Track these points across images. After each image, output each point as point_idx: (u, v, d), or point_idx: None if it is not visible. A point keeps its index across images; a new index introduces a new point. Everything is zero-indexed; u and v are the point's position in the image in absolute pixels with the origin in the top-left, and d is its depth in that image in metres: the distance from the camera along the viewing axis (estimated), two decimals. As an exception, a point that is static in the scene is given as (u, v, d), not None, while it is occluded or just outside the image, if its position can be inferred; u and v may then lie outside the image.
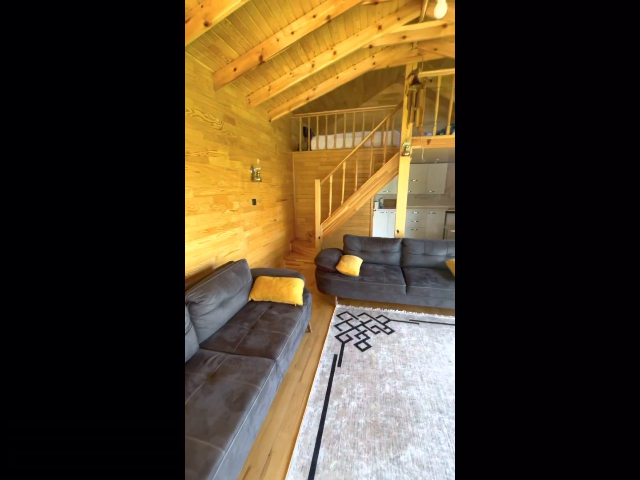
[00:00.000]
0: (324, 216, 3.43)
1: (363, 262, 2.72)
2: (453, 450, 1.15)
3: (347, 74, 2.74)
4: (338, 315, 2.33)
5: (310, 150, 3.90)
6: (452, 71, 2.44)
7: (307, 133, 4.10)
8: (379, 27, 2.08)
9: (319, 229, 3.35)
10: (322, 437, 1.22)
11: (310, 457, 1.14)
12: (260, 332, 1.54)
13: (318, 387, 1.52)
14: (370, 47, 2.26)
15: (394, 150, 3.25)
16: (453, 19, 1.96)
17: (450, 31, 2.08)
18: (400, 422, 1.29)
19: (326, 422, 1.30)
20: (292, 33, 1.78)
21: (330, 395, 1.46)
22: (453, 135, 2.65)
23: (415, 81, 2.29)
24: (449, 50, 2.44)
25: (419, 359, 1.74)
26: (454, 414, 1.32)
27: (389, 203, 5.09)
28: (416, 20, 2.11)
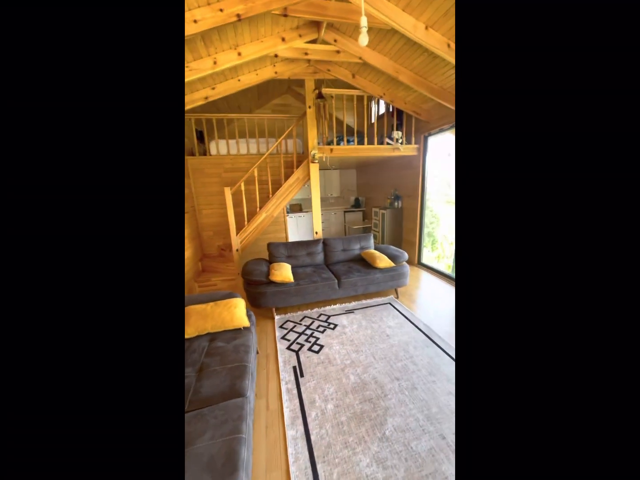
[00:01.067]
0: (239, 226, 3.17)
1: (292, 267, 2.73)
2: (417, 404, 1.38)
3: (249, 78, 2.66)
4: (281, 327, 2.24)
5: (210, 155, 3.50)
6: (345, 91, 2.89)
7: (202, 137, 3.65)
8: (283, 39, 2.15)
9: (236, 241, 3.07)
10: (315, 455, 1.16)
11: (311, 481, 1.06)
12: (213, 372, 1.26)
13: (290, 406, 1.43)
14: (276, 56, 2.30)
15: (302, 158, 3.43)
16: (346, 48, 2.31)
17: (343, 57, 2.44)
18: (373, 402, 1.42)
19: (312, 437, 1.24)
20: (195, 22, 1.56)
21: (306, 409, 1.40)
22: (352, 146, 3.11)
23: (320, 95, 2.52)
24: (340, 73, 2.85)
25: (366, 342, 1.96)
26: (408, 377, 1.58)
27: (295, 207, 5.31)
28: (314, 41, 2.33)
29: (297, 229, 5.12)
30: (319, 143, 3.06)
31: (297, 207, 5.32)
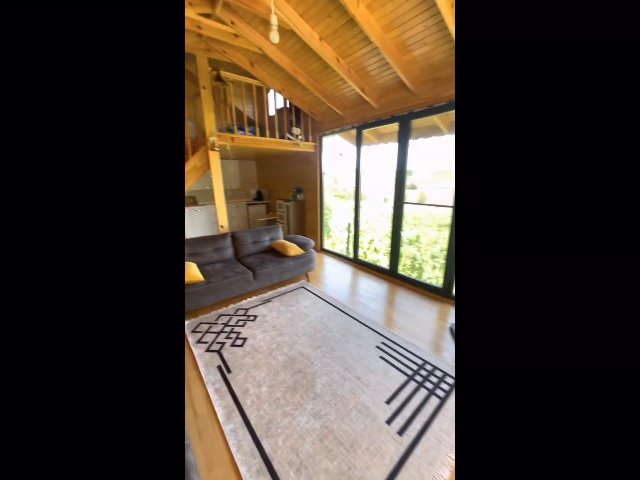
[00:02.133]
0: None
1: (198, 266, 2.47)
2: (337, 361, 1.67)
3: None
4: (193, 331, 2.03)
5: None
6: (245, 79, 2.79)
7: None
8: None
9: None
10: (258, 435, 1.21)
11: (259, 459, 1.11)
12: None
13: (222, 404, 1.38)
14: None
15: (196, 143, 3.06)
16: (245, 35, 2.23)
17: (242, 43, 2.35)
18: (303, 372, 1.60)
19: (252, 422, 1.28)
20: None
21: (240, 400, 1.40)
22: (254, 136, 3.06)
23: (219, 78, 2.32)
24: (238, 59, 2.71)
25: (288, 325, 2.10)
26: (327, 343, 1.86)
27: (188, 200, 4.67)
28: (209, 16, 2.12)
29: (192, 225, 4.53)
30: (217, 129, 2.83)
31: (190, 200, 4.69)
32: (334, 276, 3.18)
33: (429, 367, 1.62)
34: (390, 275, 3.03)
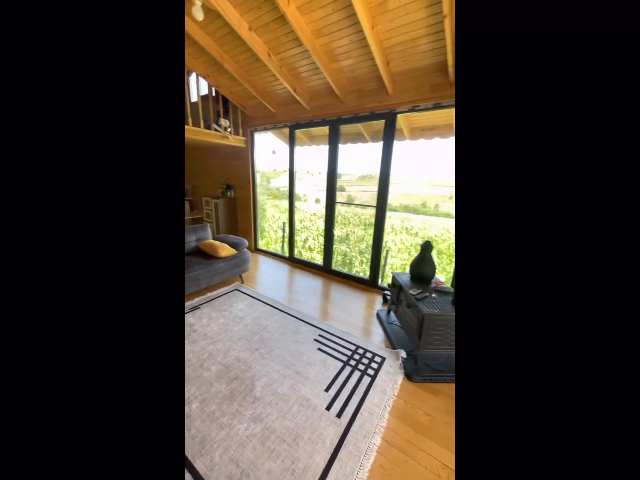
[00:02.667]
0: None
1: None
2: (277, 360, 1.64)
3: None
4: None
5: None
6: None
7: None
8: None
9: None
10: (190, 457, 1.08)
11: (191, 482, 0.99)
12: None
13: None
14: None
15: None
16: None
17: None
18: (240, 378, 1.50)
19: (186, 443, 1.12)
20: None
21: (165, 423, 1.21)
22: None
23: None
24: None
25: (221, 331, 1.94)
26: (265, 344, 1.80)
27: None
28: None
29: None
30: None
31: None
32: (269, 276, 3.12)
33: (360, 351, 1.79)
34: (325, 271, 3.18)
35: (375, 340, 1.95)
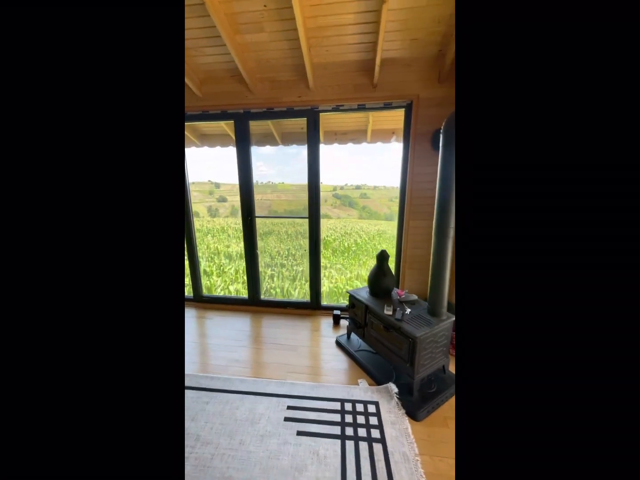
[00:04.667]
0: None
1: None
2: (242, 497, 0.96)
3: None
4: None
5: None
6: None
7: None
8: None
9: None
10: None
11: None
12: None
13: None
14: None
15: None
16: None
17: None
18: None
19: None
20: None
21: None
22: None
23: None
24: None
25: None
26: (202, 474, 1.05)
27: None
28: None
29: None
30: None
31: None
32: (171, 334, 2.10)
33: (348, 406, 1.38)
34: (252, 304, 2.51)
35: (352, 379, 1.60)
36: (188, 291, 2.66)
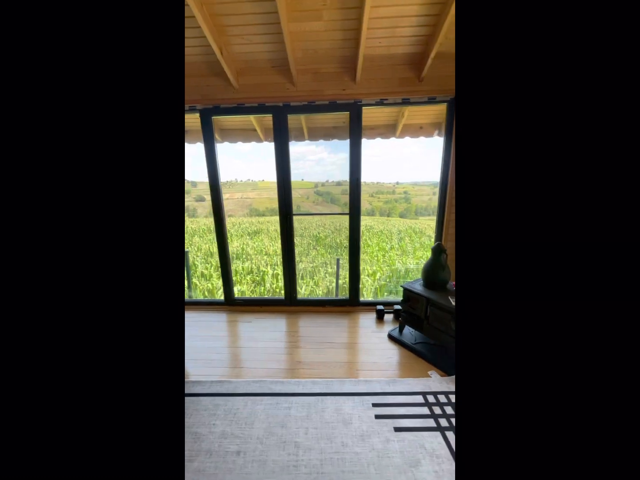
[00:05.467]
0: None
1: None
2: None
3: None
4: None
5: None
6: None
7: None
8: None
9: None
10: None
11: None
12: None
13: None
14: None
15: None
16: None
17: None
18: None
19: None
20: None
21: None
22: None
23: None
24: None
25: (220, 512, 0.92)
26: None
27: None
28: None
29: None
30: None
31: None
32: (211, 344, 2.01)
33: (431, 398, 1.40)
34: (289, 304, 2.45)
35: (419, 372, 1.62)
36: (219, 295, 2.53)
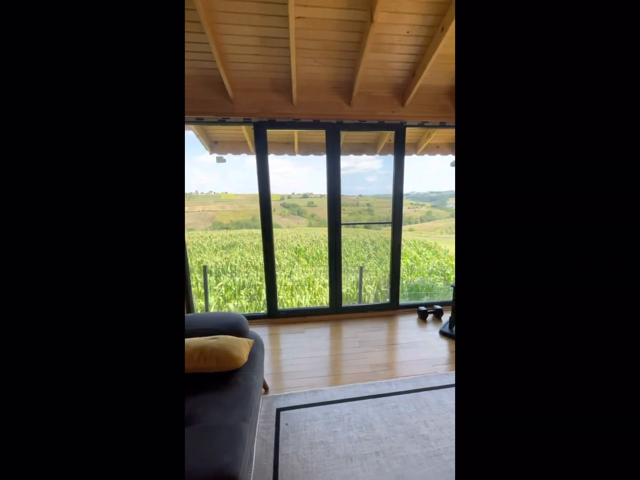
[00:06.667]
0: None
1: None
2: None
3: None
4: None
5: None
6: None
7: None
8: None
9: None
10: None
11: None
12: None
13: None
14: None
15: None
16: None
17: None
18: None
19: None
20: None
21: None
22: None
23: None
24: None
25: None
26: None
27: None
28: None
29: None
30: None
31: None
32: (285, 355, 1.96)
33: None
34: (334, 313, 2.49)
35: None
36: (262, 308, 2.45)
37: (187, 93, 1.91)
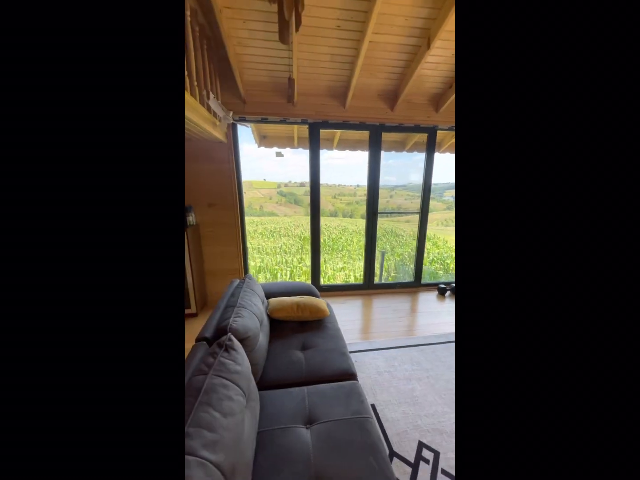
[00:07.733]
0: None
1: None
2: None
3: None
4: None
5: None
6: None
7: None
8: None
9: None
10: None
11: None
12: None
13: None
14: None
15: None
16: None
17: None
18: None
19: None
20: None
21: None
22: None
23: None
24: None
25: (447, 406, 1.41)
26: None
27: None
28: None
29: None
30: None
31: None
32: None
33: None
34: (366, 288, 2.93)
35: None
36: (308, 280, 2.87)
37: (257, 97, 2.22)
